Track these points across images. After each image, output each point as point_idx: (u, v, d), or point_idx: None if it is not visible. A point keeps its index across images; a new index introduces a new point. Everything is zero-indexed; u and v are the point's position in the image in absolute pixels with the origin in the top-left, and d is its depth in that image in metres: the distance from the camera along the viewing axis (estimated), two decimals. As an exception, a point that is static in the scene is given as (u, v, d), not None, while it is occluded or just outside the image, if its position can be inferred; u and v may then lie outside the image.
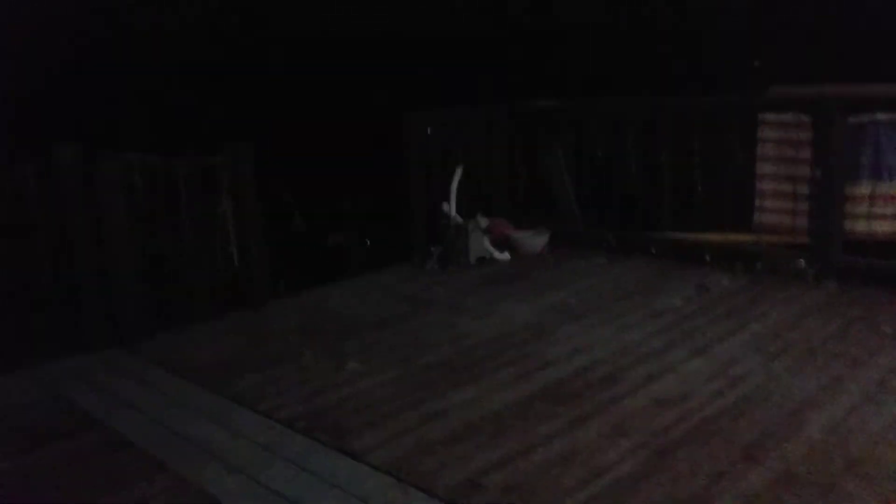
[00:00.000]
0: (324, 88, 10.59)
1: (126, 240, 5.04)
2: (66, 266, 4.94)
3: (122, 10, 10.00)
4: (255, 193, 5.59)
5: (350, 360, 4.43)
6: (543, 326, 4.74)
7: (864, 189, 5.23)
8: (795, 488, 2.80)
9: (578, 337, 4.53)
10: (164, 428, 3.75)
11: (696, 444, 3.18)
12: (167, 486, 3.18)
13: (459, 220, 6.39)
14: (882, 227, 5.19)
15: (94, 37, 9.74)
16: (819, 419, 3.31)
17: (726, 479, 2.91)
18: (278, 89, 10.53)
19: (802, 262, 5.25)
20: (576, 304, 5.13)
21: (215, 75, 10.33)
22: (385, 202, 8.76)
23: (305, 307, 5.60)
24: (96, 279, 4.97)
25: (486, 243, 6.40)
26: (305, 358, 4.52)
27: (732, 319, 4.59)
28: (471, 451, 3.28)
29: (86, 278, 4.94)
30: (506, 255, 6.43)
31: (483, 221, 6.37)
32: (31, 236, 4.93)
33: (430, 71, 9.80)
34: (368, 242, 9.51)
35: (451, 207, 6.42)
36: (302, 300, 5.83)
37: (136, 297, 5.09)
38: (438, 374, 4.14)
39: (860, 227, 5.23)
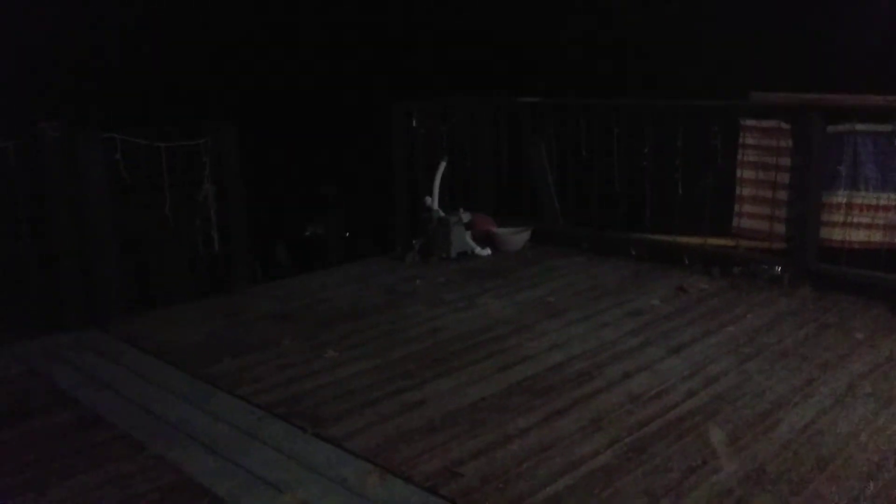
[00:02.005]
0: (310, 76, 10.57)
1: (107, 219, 5.01)
2: (46, 244, 4.90)
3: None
4: (239, 177, 5.57)
5: (328, 348, 4.44)
6: (522, 322, 4.78)
7: (840, 198, 5.31)
8: (766, 485, 2.86)
9: (556, 333, 4.57)
10: (142, 408, 3.74)
11: (669, 439, 3.24)
12: (145, 465, 3.18)
13: (442, 213, 6.42)
14: (857, 236, 5.28)
15: (80, 15, 9.65)
16: (790, 420, 3.38)
17: (699, 474, 2.96)
18: (263, 78, 10.50)
19: (778, 268, 5.33)
20: (555, 301, 5.18)
21: (202, 57, 10.28)
22: (366, 192, 8.77)
23: (284, 295, 5.59)
24: (76, 258, 4.93)
25: (468, 238, 6.43)
26: (284, 345, 4.53)
27: (708, 321, 4.66)
28: (448, 440, 3.30)
29: (65, 257, 4.90)
30: (487, 251, 6.46)
31: (465, 216, 6.40)
32: (10, 213, 4.89)
33: (418, 61, 9.82)
34: (347, 234, 9.51)
35: (433, 200, 6.44)
36: (280, 288, 5.83)
37: (116, 278, 5.07)
38: (416, 365, 4.16)
39: (836, 235, 5.31)
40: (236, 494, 2.94)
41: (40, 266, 5.00)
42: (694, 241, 5.86)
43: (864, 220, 5.28)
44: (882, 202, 5.23)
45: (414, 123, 6.68)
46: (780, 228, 5.57)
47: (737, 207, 5.76)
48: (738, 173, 5.73)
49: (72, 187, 4.92)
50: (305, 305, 5.31)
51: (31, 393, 3.98)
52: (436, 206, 6.45)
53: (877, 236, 5.26)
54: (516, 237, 6.62)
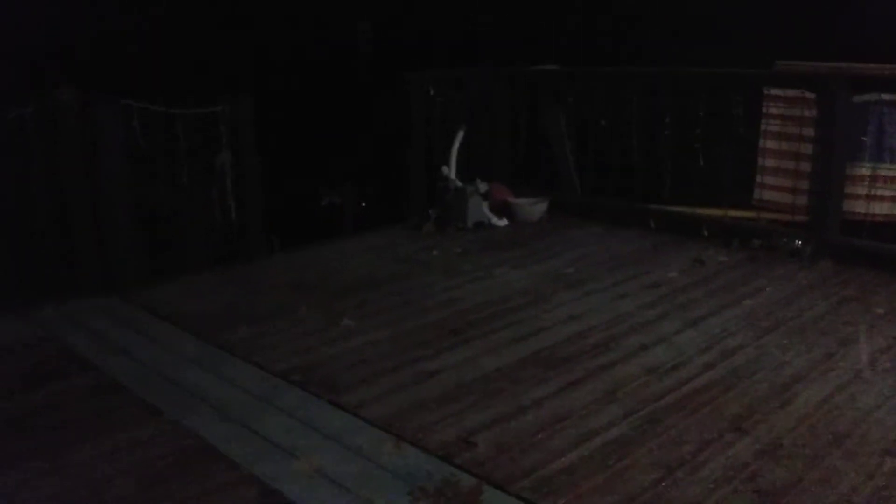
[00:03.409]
0: (326, 45, 10.51)
1: (123, 186, 5.02)
2: (63, 211, 4.93)
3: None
4: (254, 146, 5.56)
5: (345, 317, 4.44)
6: (539, 293, 4.76)
7: (864, 170, 5.23)
8: (781, 459, 2.84)
9: (573, 304, 4.55)
10: (158, 374, 3.76)
11: (685, 412, 3.22)
12: (161, 430, 3.20)
13: (459, 183, 6.38)
14: (881, 209, 5.21)
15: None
16: (807, 394, 3.34)
17: (713, 447, 2.94)
18: (279, 45, 10.44)
19: (799, 241, 5.27)
20: (572, 272, 5.14)
21: (217, 28, 10.24)
22: (382, 161, 8.74)
23: (300, 264, 5.60)
24: (92, 225, 4.96)
25: (485, 208, 6.39)
26: (299, 313, 4.53)
27: (727, 294, 4.61)
28: (463, 410, 3.30)
29: (82, 224, 4.93)
30: (504, 221, 6.43)
31: (482, 186, 6.36)
32: (28, 180, 4.91)
33: (434, 30, 9.72)
34: (363, 204, 9.50)
35: (450, 170, 6.40)
36: (297, 257, 5.83)
37: (132, 245, 5.09)
38: (432, 335, 4.16)
39: (859, 207, 5.24)
40: (251, 460, 2.95)
41: (58, 233, 5.03)
42: (713, 212, 5.80)
43: (889, 192, 5.20)
44: (907, 174, 5.15)
45: (431, 93, 6.62)
46: (803, 200, 5.49)
47: (758, 178, 5.69)
48: (761, 143, 5.66)
49: (89, 154, 4.93)
50: (321, 274, 5.31)
51: (49, 358, 4.01)
52: (453, 175, 6.41)
53: (900, 209, 5.18)
54: (534, 208, 6.57)
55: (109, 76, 8.69)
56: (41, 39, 9.15)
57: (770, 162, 5.61)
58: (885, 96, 5.13)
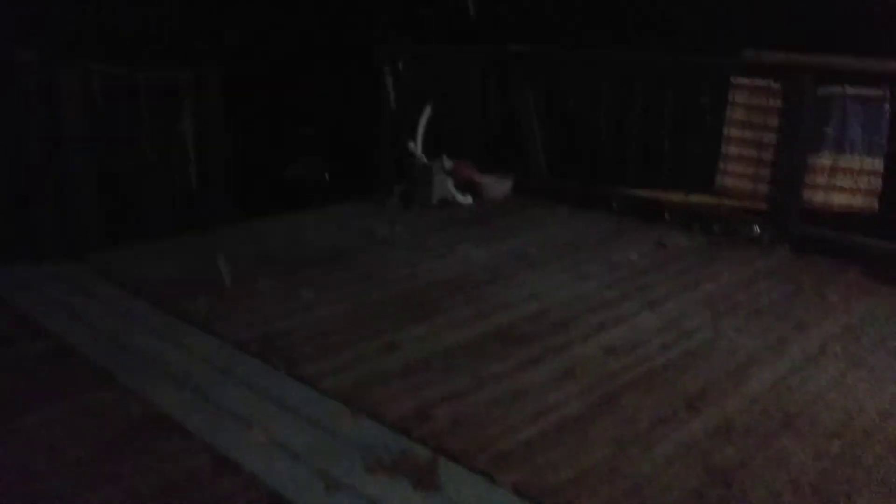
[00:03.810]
0: (292, 15, 10.33)
1: (83, 150, 4.92)
2: (22, 174, 4.81)
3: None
4: (220, 114, 5.48)
5: (305, 289, 4.42)
6: (501, 271, 4.77)
7: (825, 160, 5.30)
8: (733, 439, 2.89)
9: (534, 283, 4.57)
10: (114, 341, 3.71)
11: (641, 391, 3.26)
12: (115, 397, 3.16)
13: (425, 159, 6.36)
14: (839, 200, 5.28)
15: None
16: (761, 376, 3.41)
17: (668, 425, 2.98)
18: (249, 9, 10.23)
19: (758, 227, 5.34)
20: (534, 251, 5.17)
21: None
22: (348, 134, 8.65)
23: (261, 235, 5.54)
24: (51, 188, 4.85)
25: (450, 185, 6.38)
26: (259, 284, 4.50)
27: (686, 277, 4.67)
28: (422, 384, 3.31)
29: (40, 186, 4.82)
30: (468, 199, 6.43)
31: (448, 163, 6.34)
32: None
33: (407, 4, 9.61)
34: (327, 177, 9.40)
35: (417, 146, 6.37)
36: (258, 228, 5.77)
37: (91, 210, 5.00)
38: (393, 309, 4.15)
39: (818, 197, 5.32)
40: (206, 428, 2.93)
41: (15, 196, 4.92)
42: (676, 197, 5.85)
43: (847, 183, 5.28)
44: (866, 167, 5.23)
45: (400, 68, 6.57)
46: (764, 188, 5.56)
47: (721, 165, 5.73)
48: (725, 131, 5.70)
49: (49, 117, 4.82)
50: (284, 246, 5.27)
51: (3, 323, 3.93)
52: (419, 151, 6.39)
53: (858, 201, 5.27)
54: (498, 186, 6.57)
55: (73, 38, 8.48)
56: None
57: (733, 150, 5.66)
58: (849, 90, 5.20)
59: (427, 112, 6.39)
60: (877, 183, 5.21)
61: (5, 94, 4.78)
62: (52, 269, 4.69)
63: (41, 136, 4.81)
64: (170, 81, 5.39)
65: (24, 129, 4.76)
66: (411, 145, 6.38)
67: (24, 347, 3.64)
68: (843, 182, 5.29)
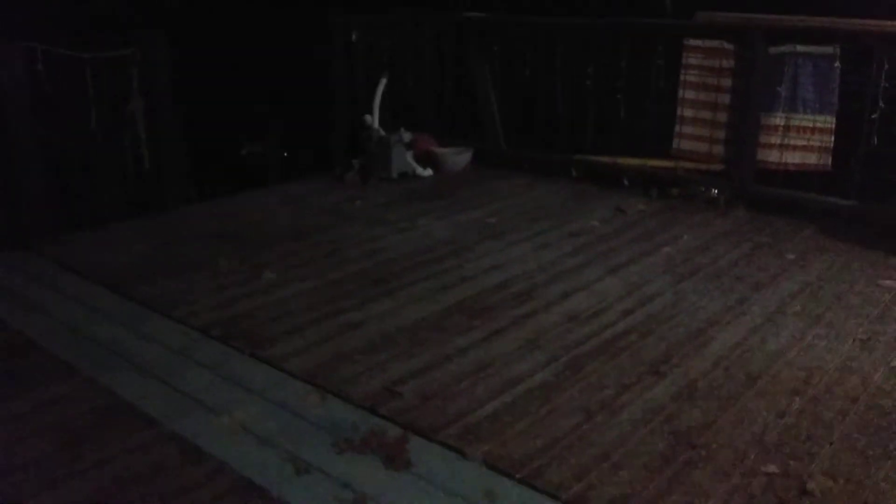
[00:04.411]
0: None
1: (29, 134, 4.77)
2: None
3: None
4: (170, 90, 5.35)
5: (266, 269, 4.37)
6: (462, 243, 4.77)
7: (778, 120, 5.37)
8: (698, 401, 2.94)
9: (496, 254, 4.57)
10: (73, 331, 3.64)
11: (605, 357, 3.29)
12: (77, 389, 3.11)
13: (382, 132, 6.30)
14: (793, 159, 5.36)
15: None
16: (722, 338, 3.46)
17: (633, 390, 3.02)
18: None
19: (715, 189, 5.40)
20: (495, 222, 5.17)
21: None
22: (305, 109, 8.54)
23: (219, 215, 5.46)
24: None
25: (409, 158, 6.33)
26: (220, 265, 4.44)
27: (645, 242, 4.71)
28: (388, 360, 3.30)
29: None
30: (428, 171, 6.39)
31: (407, 136, 6.28)
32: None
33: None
34: (285, 154, 9.30)
35: (374, 119, 6.31)
36: (216, 207, 5.69)
37: (41, 195, 4.87)
38: (356, 286, 4.13)
39: (773, 157, 5.39)
40: (171, 417, 2.90)
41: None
42: (634, 162, 5.89)
43: (801, 142, 5.36)
44: (818, 125, 5.31)
45: (354, 38, 6.48)
46: (719, 150, 5.62)
47: (677, 128, 5.78)
48: (680, 94, 5.73)
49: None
50: (242, 225, 5.20)
51: (-46, 316, 3.83)
52: (376, 125, 6.32)
53: (811, 158, 5.36)
54: (458, 157, 6.54)
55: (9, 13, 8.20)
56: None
57: (688, 112, 5.71)
58: (800, 48, 5.25)
59: (382, 83, 6.32)
60: (829, 140, 5.30)
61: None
62: (3, 258, 4.57)
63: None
64: (116, 58, 5.24)
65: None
66: (368, 118, 6.31)
67: (-21, 341, 3.55)
68: (796, 141, 5.37)
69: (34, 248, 4.71)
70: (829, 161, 5.31)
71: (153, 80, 5.31)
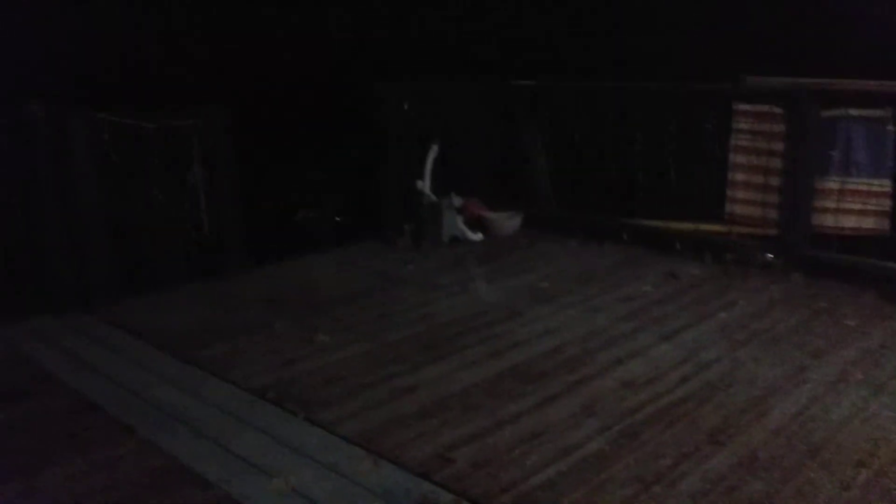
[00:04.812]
0: (300, 57, 10.46)
1: (95, 200, 4.95)
2: (34, 226, 4.85)
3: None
4: (230, 160, 5.52)
5: (320, 332, 4.42)
6: (514, 307, 4.77)
7: (833, 183, 5.31)
8: (759, 472, 2.86)
9: (548, 319, 4.56)
10: (131, 392, 3.71)
11: (662, 426, 3.23)
12: (134, 450, 3.16)
13: (433, 197, 6.38)
14: (849, 222, 5.28)
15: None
16: (782, 406, 3.38)
17: (691, 460, 2.96)
18: (253, 54, 10.37)
19: (770, 254, 5.33)
20: (547, 286, 5.16)
21: (189, 36, 10.17)
22: (358, 176, 8.71)
23: (275, 279, 5.57)
24: (64, 240, 4.88)
25: (460, 223, 6.40)
26: (274, 329, 4.50)
27: (700, 307, 4.66)
28: (440, 426, 3.29)
29: (53, 239, 4.85)
30: (478, 236, 6.44)
31: (457, 200, 6.37)
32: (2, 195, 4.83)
33: (408, 42, 9.73)
34: (338, 219, 9.44)
35: (425, 184, 6.40)
36: (271, 272, 5.80)
37: (104, 260, 5.02)
38: (408, 350, 4.15)
39: (828, 221, 5.31)
40: (226, 479, 2.92)
41: (29, 248, 4.95)
42: (686, 226, 5.85)
43: (856, 206, 5.27)
44: (874, 188, 5.23)
45: (405, 106, 6.62)
46: (773, 214, 5.56)
47: (729, 193, 5.75)
48: (731, 158, 5.72)
49: (60, 168, 4.86)
50: (297, 290, 5.28)
51: (20, 376, 3.95)
52: (427, 190, 6.41)
53: (868, 222, 5.26)
54: (508, 222, 6.59)
55: (82, 88, 8.60)
56: (8, 52, 9.02)
57: (740, 176, 5.68)
58: (852, 111, 5.22)
59: (434, 150, 6.43)
60: (886, 204, 5.21)
61: (17, 149, 4.83)
62: (68, 320, 4.71)
63: (53, 188, 4.85)
64: (179, 129, 5.44)
65: (36, 182, 4.80)
66: (419, 184, 6.40)
67: (44, 401, 3.65)
68: (852, 204, 5.29)
69: (97, 311, 4.85)
70: (887, 225, 5.22)
71: (213, 150, 5.49)
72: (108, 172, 5.07)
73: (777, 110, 5.48)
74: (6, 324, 4.61)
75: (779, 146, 5.49)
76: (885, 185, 5.22)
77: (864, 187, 5.27)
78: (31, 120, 4.75)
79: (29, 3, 9.19)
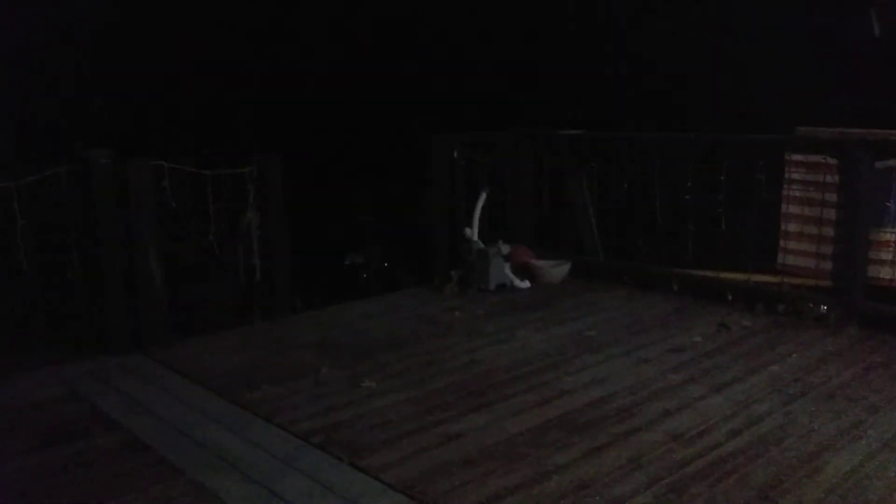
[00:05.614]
0: (352, 106, 10.71)
1: (154, 245, 5.10)
2: (94, 269, 5.01)
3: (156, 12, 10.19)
4: (283, 206, 5.65)
5: (366, 378, 4.45)
6: (561, 356, 4.75)
7: (889, 235, 5.21)
8: (811, 531, 2.78)
9: (596, 368, 4.53)
10: (181, 434, 3.78)
11: (711, 480, 3.17)
12: (183, 491, 3.20)
13: (481, 245, 6.42)
14: (906, 275, 5.17)
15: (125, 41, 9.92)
16: (836, 463, 3.28)
17: (742, 517, 2.89)
18: (308, 103, 10.66)
19: (824, 306, 5.22)
20: (595, 335, 5.13)
21: (247, 84, 10.51)
22: (406, 222, 8.83)
23: (323, 323, 5.63)
24: (122, 283, 5.03)
25: (507, 270, 6.42)
26: (322, 374, 4.55)
27: (752, 359, 4.57)
28: (485, 475, 3.28)
29: (114, 282, 5.00)
30: (526, 283, 6.44)
31: (505, 248, 6.40)
32: (60, 237, 5.01)
33: (458, 94, 9.90)
34: (386, 264, 9.56)
35: (473, 232, 6.45)
36: (319, 317, 5.87)
37: (160, 303, 5.14)
38: (454, 397, 4.15)
39: (884, 273, 5.20)
40: (272, 523, 2.94)
41: (88, 290, 5.10)
42: (737, 276, 5.78)
43: (914, 258, 5.16)
44: (932, 240, 5.12)
45: (455, 155, 6.72)
46: (827, 265, 5.47)
47: (782, 243, 5.68)
48: (784, 208, 5.66)
49: (121, 213, 5.03)
50: (344, 335, 5.33)
51: (74, 416, 4.04)
52: (475, 237, 6.46)
53: (926, 275, 5.14)
54: (556, 270, 6.59)
55: (140, 136, 8.92)
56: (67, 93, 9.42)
57: (793, 227, 5.61)
58: (907, 162, 5.15)
59: (482, 198, 6.49)
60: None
61: (80, 194, 5.01)
62: (122, 361, 4.83)
63: (113, 232, 5.01)
64: (235, 176, 5.60)
65: (99, 224, 4.97)
66: (467, 231, 6.46)
67: (97, 440, 3.72)
68: (909, 257, 5.18)
69: (149, 352, 4.96)
70: (946, 277, 5.09)
71: (267, 196, 5.63)
72: (166, 217, 5.23)
73: (831, 160, 5.42)
74: (64, 364, 4.75)
75: (832, 197, 5.42)
76: (942, 236, 5.11)
77: (922, 239, 5.16)
78: (94, 166, 4.94)
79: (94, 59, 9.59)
